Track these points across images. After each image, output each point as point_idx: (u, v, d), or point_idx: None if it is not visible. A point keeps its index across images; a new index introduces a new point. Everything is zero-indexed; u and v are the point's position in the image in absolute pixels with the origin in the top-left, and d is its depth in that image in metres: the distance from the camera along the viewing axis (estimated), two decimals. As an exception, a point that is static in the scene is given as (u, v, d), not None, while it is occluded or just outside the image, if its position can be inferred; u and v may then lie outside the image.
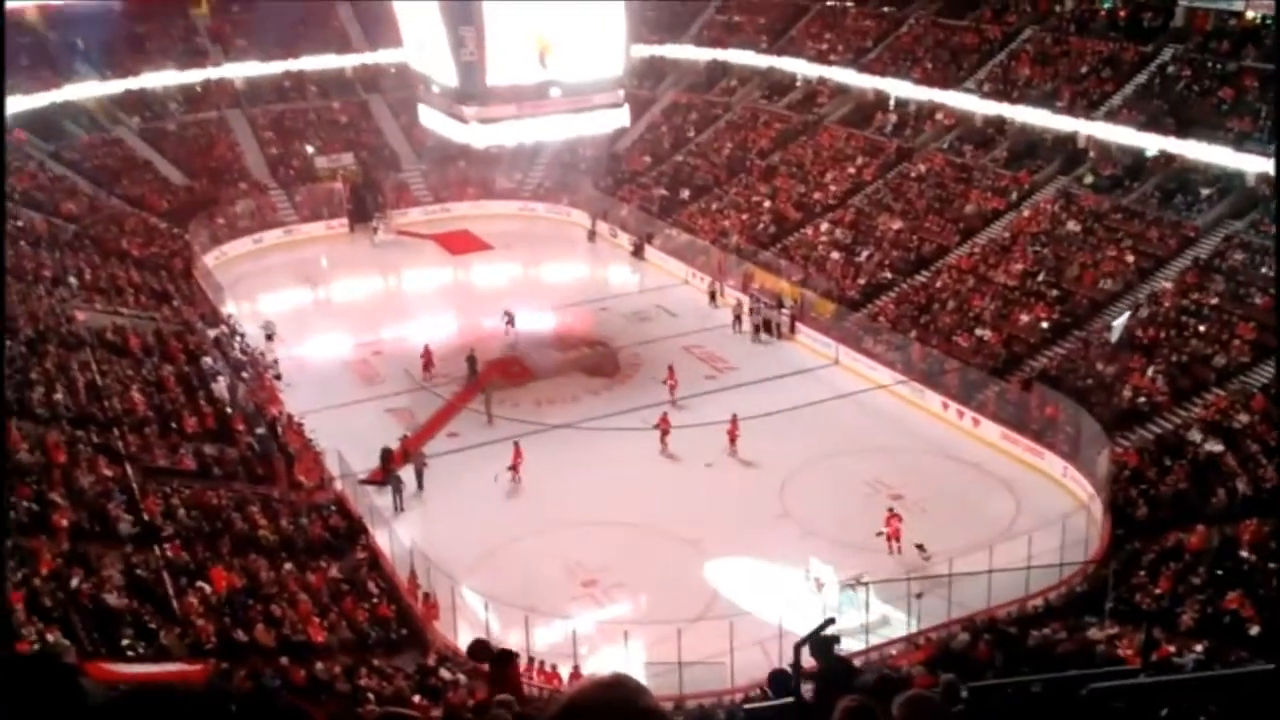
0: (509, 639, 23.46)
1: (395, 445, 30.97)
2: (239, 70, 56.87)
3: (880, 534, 26.58)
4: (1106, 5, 45.18)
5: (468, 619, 24.47)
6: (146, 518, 23.32)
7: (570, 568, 26.38)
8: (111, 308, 36.39)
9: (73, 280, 37.54)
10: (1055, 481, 29.68)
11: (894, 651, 22.66)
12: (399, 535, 26.76)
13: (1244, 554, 22.47)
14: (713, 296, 42.74)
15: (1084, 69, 42.92)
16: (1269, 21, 38.96)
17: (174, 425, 28.63)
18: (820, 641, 9.52)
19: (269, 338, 38.34)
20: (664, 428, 31.98)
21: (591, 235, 51.42)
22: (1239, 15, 39.78)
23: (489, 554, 26.99)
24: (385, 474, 29.77)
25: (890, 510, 27.17)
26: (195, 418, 29.40)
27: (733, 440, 31.43)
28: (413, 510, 29.45)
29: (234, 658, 19.24)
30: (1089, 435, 29.11)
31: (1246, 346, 30.29)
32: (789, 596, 24.16)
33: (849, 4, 54.99)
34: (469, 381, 36.23)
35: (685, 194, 50.82)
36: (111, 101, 53.69)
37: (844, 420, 33.86)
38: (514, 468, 29.86)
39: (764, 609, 24.04)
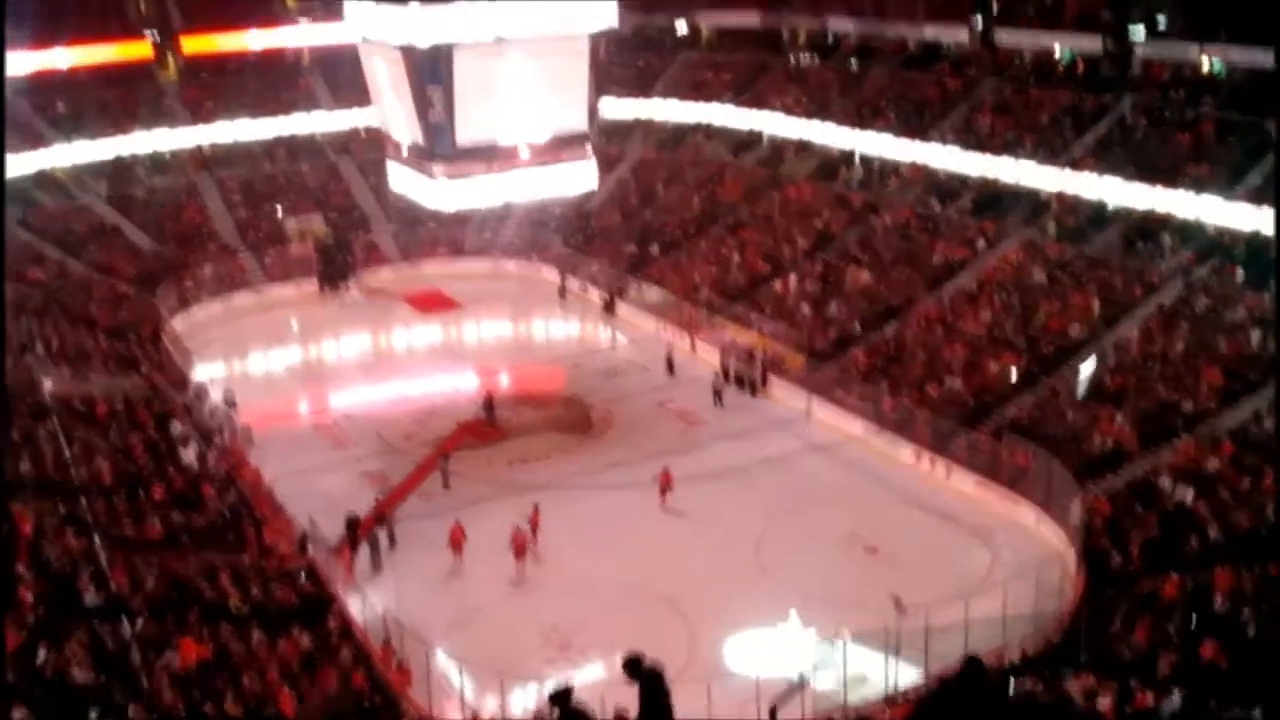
0: (484, 704, 23.27)
1: (364, 511, 30.69)
2: (208, 135, 56.96)
3: (654, 479, 31.18)
4: (1066, 60, 45.99)
5: (442, 685, 24.19)
6: (114, 589, 22.98)
7: (544, 629, 26.13)
8: (79, 375, 36.10)
9: (40, 348, 37.24)
10: (1029, 531, 29.73)
11: (873, 710, 22.52)
12: (371, 600, 26.47)
13: (1218, 601, 22.52)
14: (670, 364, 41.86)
15: (1044, 119, 43.60)
16: (1225, 71, 39.81)
17: (142, 493, 28.31)
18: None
19: (230, 404, 37.98)
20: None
21: (562, 292, 51.52)
22: (1194, 66, 40.58)
23: (463, 617, 26.77)
24: (353, 544, 29.47)
25: (665, 469, 31.61)
26: (163, 485, 29.07)
27: (533, 531, 29.73)
28: (385, 573, 29.18)
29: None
30: (1061, 483, 29.18)
31: (1213, 392, 30.57)
32: (767, 654, 24.01)
33: (813, 60, 55.81)
34: (488, 423, 37.27)
35: (655, 249, 51.08)
36: (79, 168, 53.61)
37: (818, 472, 33.89)
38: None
39: (741, 667, 23.89)
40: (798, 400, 38.02)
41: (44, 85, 54.48)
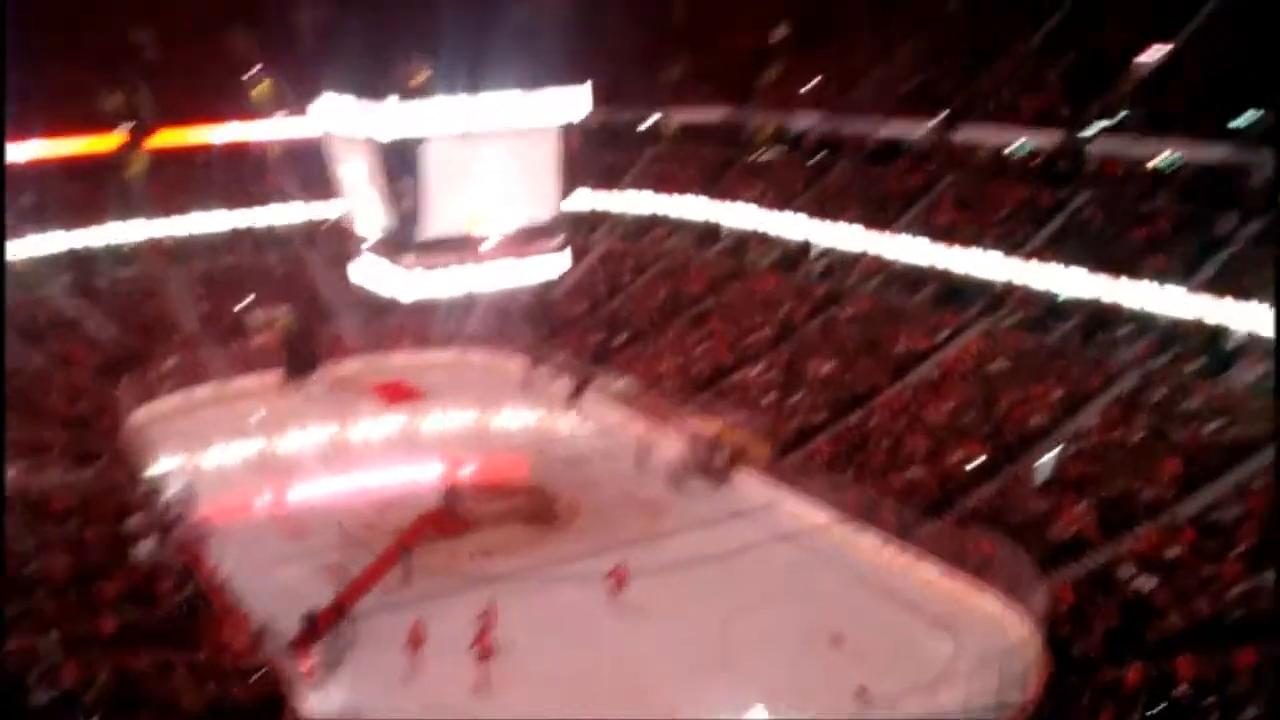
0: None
1: (323, 606, 30.20)
2: (172, 228, 57.06)
3: (604, 576, 30.67)
4: (1022, 152, 46.93)
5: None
6: (65, 687, 22.45)
7: (508, 726, 25.70)
8: (35, 468, 35.58)
9: (-4, 440, 36.76)
10: (993, 619, 29.63)
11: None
12: (329, 698, 25.96)
13: (1181, 689, 22.46)
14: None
15: (1003, 213, 44.38)
16: (1179, 165, 40.75)
17: (95, 588, 27.77)
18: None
19: (189, 497, 37.49)
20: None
21: (528, 381, 51.49)
22: (1144, 162, 41.52)
23: (423, 715, 26.23)
24: (311, 640, 28.95)
25: (618, 565, 30.88)
26: (118, 580, 28.54)
27: (486, 631, 28.48)
28: (344, 669, 28.63)
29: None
30: (1024, 572, 29.20)
31: (1173, 480, 30.79)
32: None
33: (777, 155, 56.82)
34: (451, 514, 36.72)
35: (620, 339, 51.30)
36: (40, 260, 53.41)
37: (782, 562, 33.73)
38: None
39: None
40: (762, 490, 38.00)
41: (10, 177, 54.42)
